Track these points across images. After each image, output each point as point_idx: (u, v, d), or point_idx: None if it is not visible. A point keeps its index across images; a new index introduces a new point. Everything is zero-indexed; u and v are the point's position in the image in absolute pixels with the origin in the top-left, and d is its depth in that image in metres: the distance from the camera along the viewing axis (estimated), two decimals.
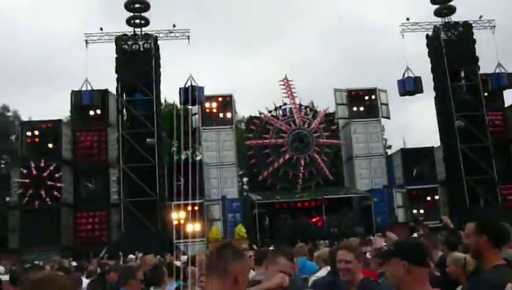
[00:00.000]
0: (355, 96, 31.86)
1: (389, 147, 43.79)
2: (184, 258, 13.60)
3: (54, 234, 25.22)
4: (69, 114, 30.77)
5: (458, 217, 21.16)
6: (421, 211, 28.51)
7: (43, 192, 25.23)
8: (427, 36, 29.71)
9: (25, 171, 25.63)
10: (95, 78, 27.59)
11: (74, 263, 14.78)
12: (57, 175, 25.70)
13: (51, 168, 25.62)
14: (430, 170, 29.64)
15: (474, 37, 29.27)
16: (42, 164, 25.60)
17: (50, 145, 27.05)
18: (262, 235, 25.81)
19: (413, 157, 29.93)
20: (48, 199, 25.30)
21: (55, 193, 25.51)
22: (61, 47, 67.56)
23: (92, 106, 27.69)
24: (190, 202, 26.81)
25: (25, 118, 36.52)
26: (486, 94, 29.24)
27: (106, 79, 29.21)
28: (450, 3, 29.90)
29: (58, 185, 25.69)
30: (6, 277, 5.66)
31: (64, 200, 26.23)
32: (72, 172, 27.32)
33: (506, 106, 30.60)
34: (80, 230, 26.55)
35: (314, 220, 27.78)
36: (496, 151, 28.01)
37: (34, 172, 25.47)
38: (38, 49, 64.88)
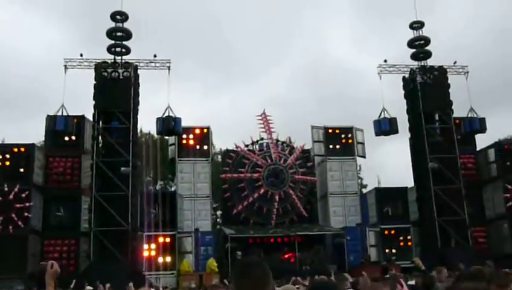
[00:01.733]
0: (331, 134, 32.09)
1: (365, 186, 44.12)
2: None
3: (20, 262, 24.45)
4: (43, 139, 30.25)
5: (430, 258, 21.28)
6: (394, 251, 28.57)
7: (10, 217, 24.57)
8: (404, 78, 30.34)
9: None
10: (72, 104, 27.41)
11: None
12: (26, 202, 25.00)
13: (16, 190, 24.86)
14: (403, 210, 29.84)
15: (448, 81, 30.02)
16: (6, 188, 24.95)
17: (21, 170, 26.45)
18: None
19: (387, 196, 30.14)
20: (12, 226, 24.53)
21: (23, 219, 24.81)
22: (39, 71, 67.12)
23: (67, 131, 27.33)
24: (162, 233, 26.50)
25: None
26: (459, 137, 29.80)
27: (84, 105, 29.06)
28: (426, 47, 30.71)
29: (27, 212, 24.99)
30: None
31: (33, 227, 25.56)
32: (43, 198, 26.72)
33: (478, 149, 31.19)
34: (47, 258, 25.59)
35: (286, 256, 27.61)
36: (467, 194, 28.41)
37: (1, 197, 24.82)
38: (15, 71, 64.30)
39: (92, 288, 14.45)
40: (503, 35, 64.61)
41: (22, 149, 26.57)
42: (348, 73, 71.95)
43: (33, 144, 27.51)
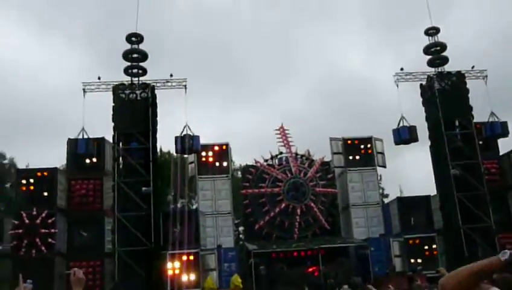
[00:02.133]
0: (351, 145, 31.88)
1: (386, 195, 43.74)
2: None
3: (47, 284, 24.68)
4: (65, 162, 30.71)
5: (456, 267, 20.93)
6: (419, 261, 28.10)
7: (34, 241, 24.90)
8: (421, 86, 30.11)
9: (16, 222, 25.34)
10: (92, 126, 27.79)
11: None
12: (51, 228, 25.28)
13: (43, 215, 25.28)
14: (427, 218, 29.40)
15: (467, 86, 29.68)
16: (35, 212, 25.34)
17: (45, 194, 26.84)
18: (259, 285, 25.38)
19: (410, 205, 29.71)
20: (36, 250, 24.81)
21: (47, 244, 25.08)
22: (60, 95, 68.27)
23: (88, 154, 27.68)
24: (185, 251, 26.54)
25: (22, 165, 36.67)
26: (481, 142, 29.38)
27: (103, 127, 29.45)
28: (443, 53, 30.47)
29: (51, 238, 25.23)
30: None
31: (58, 249, 25.85)
32: (66, 221, 27.04)
33: (501, 154, 30.71)
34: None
35: (310, 270, 27.41)
36: (492, 200, 27.93)
37: (27, 221, 25.20)
38: (36, 97, 65.55)
39: None
40: None
41: (45, 173, 27.00)
42: (364, 83, 71.74)
43: (55, 168, 27.93)
